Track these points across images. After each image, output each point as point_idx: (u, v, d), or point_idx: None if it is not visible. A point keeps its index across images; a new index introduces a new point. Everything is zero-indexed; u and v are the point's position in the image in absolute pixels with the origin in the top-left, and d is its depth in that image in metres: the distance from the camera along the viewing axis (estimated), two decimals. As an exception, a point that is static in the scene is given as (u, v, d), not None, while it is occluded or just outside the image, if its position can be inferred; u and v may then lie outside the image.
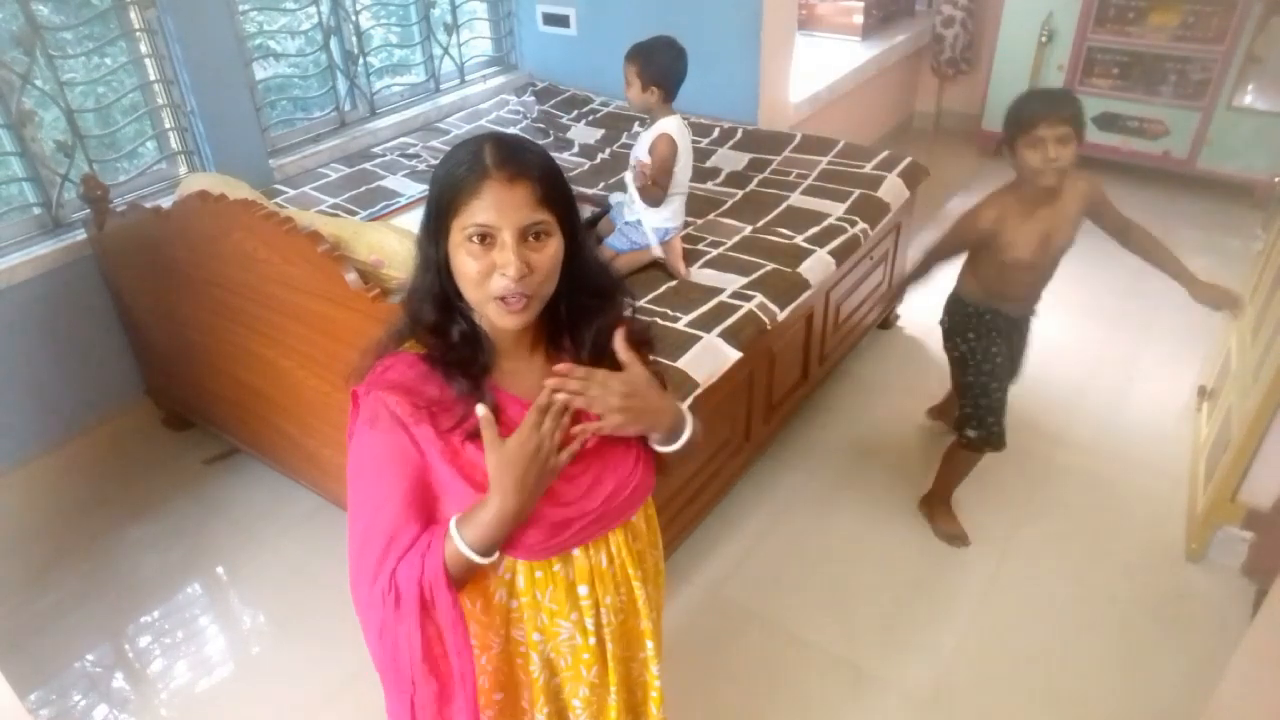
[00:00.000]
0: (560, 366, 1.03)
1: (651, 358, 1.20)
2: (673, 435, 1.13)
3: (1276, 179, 3.59)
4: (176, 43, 2.74)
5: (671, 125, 2.44)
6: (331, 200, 2.99)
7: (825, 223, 2.74)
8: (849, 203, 2.84)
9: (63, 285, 2.61)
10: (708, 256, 2.61)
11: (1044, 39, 4.33)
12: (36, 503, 2.64)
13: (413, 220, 2.64)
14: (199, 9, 2.76)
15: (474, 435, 1.01)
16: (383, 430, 1.02)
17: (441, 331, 1.05)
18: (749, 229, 2.74)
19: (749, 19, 3.35)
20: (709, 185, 3.07)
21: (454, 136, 3.51)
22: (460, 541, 0.99)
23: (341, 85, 3.40)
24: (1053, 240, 2.10)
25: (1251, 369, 2.34)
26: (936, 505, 2.46)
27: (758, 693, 2.05)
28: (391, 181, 3.12)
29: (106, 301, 2.73)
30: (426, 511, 1.04)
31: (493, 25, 3.99)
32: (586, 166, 3.30)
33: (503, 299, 0.98)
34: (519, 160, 0.98)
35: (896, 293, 2.55)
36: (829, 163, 3.12)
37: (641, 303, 2.34)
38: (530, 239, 0.98)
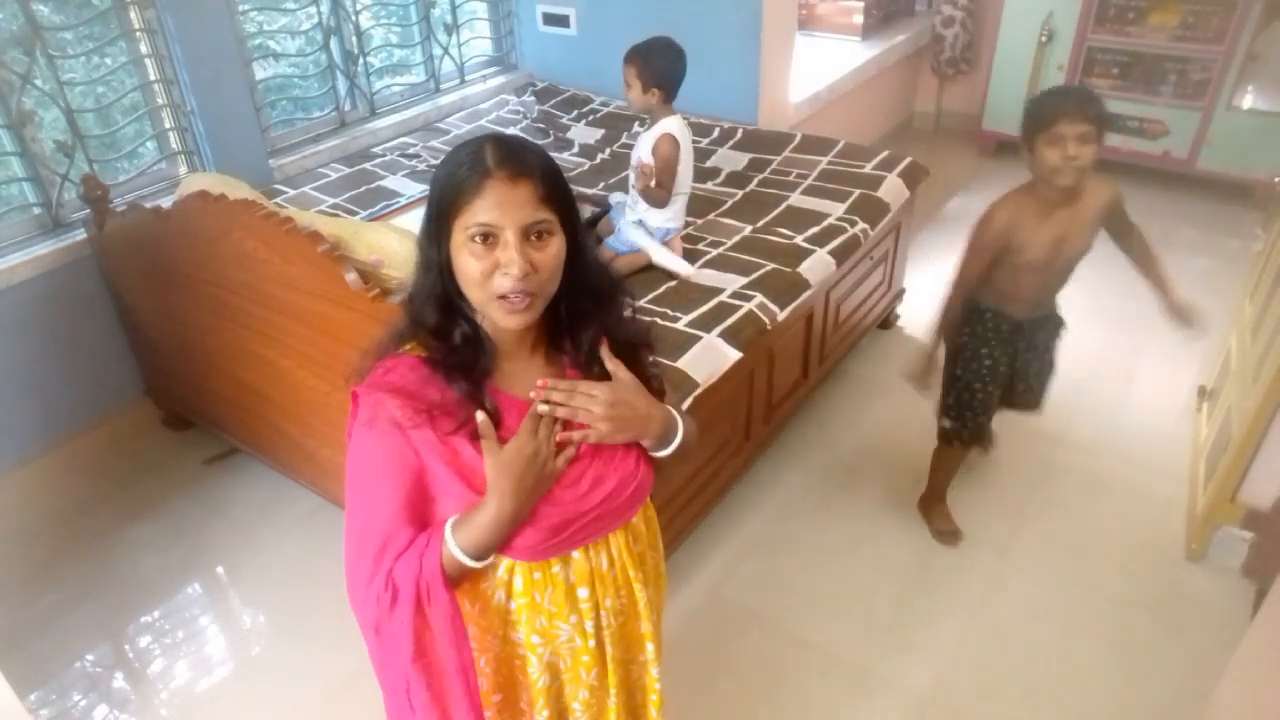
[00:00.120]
0: (540, 382, 1.05)
1: (652, 358, 1.20)
2: (664, 441, 1.14)
3: (1276, 179, 3.59)
4: (176, 43, 2.74)
5: (673, 125, 2.44)
6: (331, 200, 2.99)
7: (825, 223, 2.74)
8: (849, 203, 2.84)
9: (63, 285, 2.61)
10: (708, 256, 2.61)
11: (1044, 39, 4.33)
12: (36, 503, 2.64)
13: (413, 220, 2.65)
14: (199, 9, 2.76)
15: (476, 437, 1.02)
16: (380, 432, 1.02)
17: (443, 333, 1.05)
18: (749, 229, 2.74)
19: (749, 19, 3.35)
20: (709, 185, 3.07)
21: (454, 136, 3.51)
22: (453, 545, 1.00)
23: (341, 85, 3.40)
24: (1067, 244, 2.04)
25: (1251, 369, 2.35)
26: (931, 504, 2.47)
27: (758, 693, 2.05)
28: (391, 181, 3.12)
29: (106, 301, 2.73)
30: (422, 514, 1.04)
31: (493, 25, 3.99)
32: (586, 166, 3.30)
33: (506, 298, 0.98)
34: (520, 160, 0.98)
35: (927, 369, 2.24)
36: (829, 163, 3.12)
37: (641, 302, 2.34)
38: (532, 238, 0.99)
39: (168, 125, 2.88)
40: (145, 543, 2.52)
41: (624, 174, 3.01)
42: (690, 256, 2.60)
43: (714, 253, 2.63)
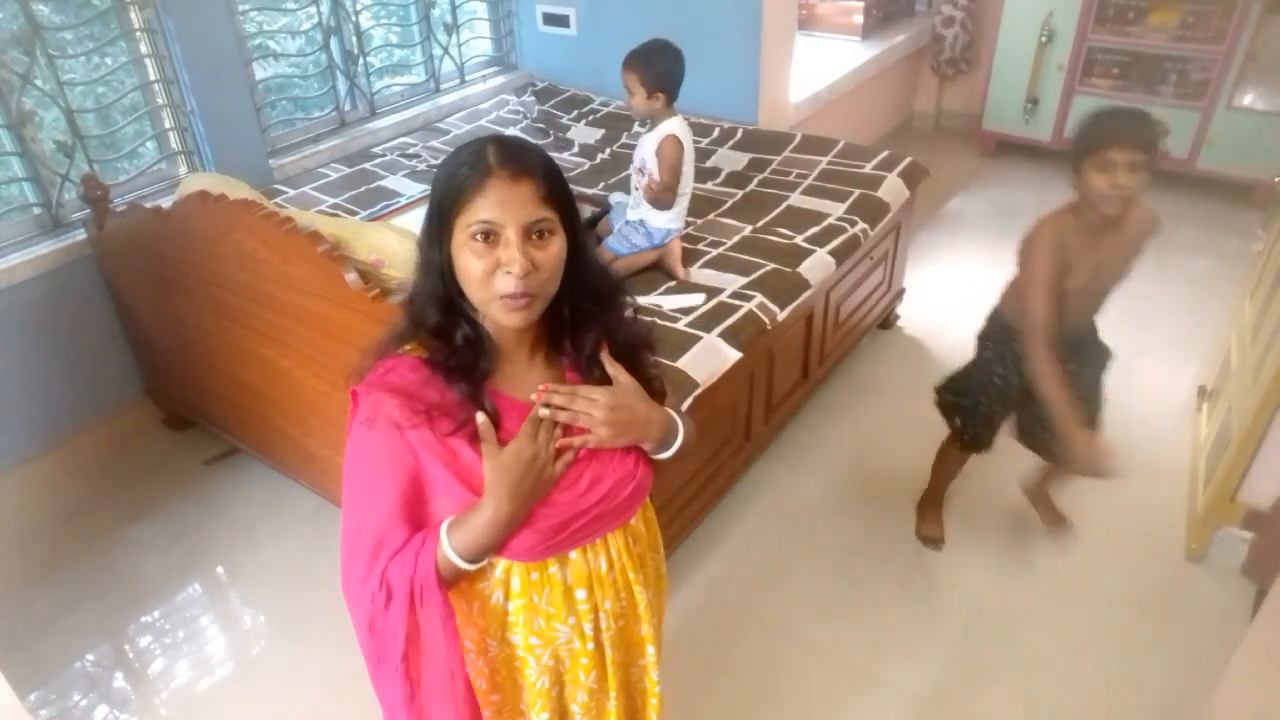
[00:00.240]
0: (541, 386, 1.05)
1: (652, 359, 1.20)
2: (664, 444, 1.14)
3: (1276, 179, 3.59)
4: (176, 43, 2.74)
5: (676, 126, 2.44)
6: (331, 200, 2.99)
7: (825, 223, 2.74)
8: (849, 203, 2.84)
9: (63, 285, 2.61)
10: (708, 256, 2.61)
11: (1044, 39, 4.33)
12: (36, 503, 2.64)
13: (413, 220, 2.65)
14: (199, 9, 2.76)
15: (475, 439, 1.02)
16: (379, 432, 1.02)
17: (444, 334, 1.05)
18: (749, 229, 2.74)
19: (749, 19, 3.35)
20: (709, 185, 3.07)
21: (454, 136, 3.51)
22: (448, 547, 1.00)
23: (341, 85, 3.40)
24: (1106, 270, 1.93)
25: (1251, 369, 2.35)
26: (925, 505, 2.47)
27: (758, 693, 2.05)
28: (391, 181, 3.12)
29: (106, 301, 2.73)
30: (418, 514, 1.05)
31: (493, 25, 3.99)
32: (586, 166, 3.30)
33: (507, 297, 0.98)
34: (521, 159, 0.99)
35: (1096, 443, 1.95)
36: (829, 163, 3.12)
37: (644, 301, 2.34)
38: (534, 237, 0.99)
39: (168, 125, 2.88)
40: (145, 543, 2.52)
41: (624, 174, 3.01)
42: (690, 256, 2.60)
43: (714, 253, 2.63)
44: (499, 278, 0.98)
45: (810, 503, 2.59)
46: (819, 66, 4.14)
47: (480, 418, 1.01)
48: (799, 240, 2.65)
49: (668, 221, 2.53)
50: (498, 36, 4.02)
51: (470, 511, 1.02)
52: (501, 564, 1.08)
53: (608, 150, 3.42)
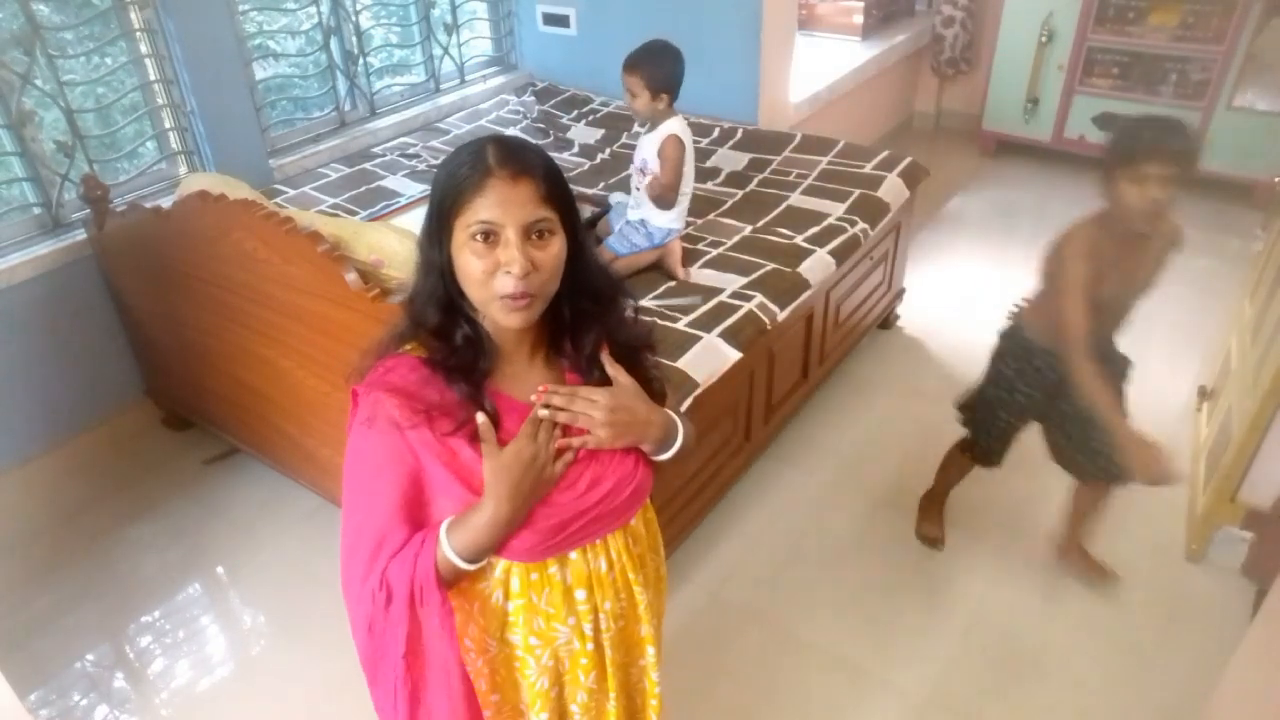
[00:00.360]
0: (541, 387, 1.05)
1: (653, 359, 1.20)
2: (664, 445, 1.14)
3: (1276, 179, 3.59)
4: (176, 43, 2.74)
5: (677, 126, 2.45)
6: (331, 200, 2.99)
7: (825, 223, 2.74)
8: (849, 203, 2.84)
9: (63, 285, 2.61)
10: (708, 256, 2.61)
11: (1044, 39, 4.33)
12: (36, 503, 2.64)
13: (413, 220, 2.65)
14: (199, 9, 2.76)
15: (475, 439, 1.02)
16: (379, 431, 1.03)
17: (445, 334, 1.05)
18: (749, 229, 2.74)
19: (749, 19, 3.35)
20: (709, 185, 3.07)
21: (454, 136, 3.51)
22: (447, 547, 1.00)
23: (341, 85, 3.40)
24: (1133, 282, 1.87)
25: (1251, 369, 2.35)
26: (926, 505, 2.46)
27: (758, 693, 2.05)
28: (391, 181, 3.12)
29: (106, 301, 2.73)
30: (418, 514, 1.05)
31: (493, 25, 3.99)
32: (586, 166, 3.30)
33: (507, 297, 0.98)
34: (521, 159, 0.99)
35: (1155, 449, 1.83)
36: (829, 163, 3.12)
37: (642, 303, 2.34)
38: (534, 237, 0.99)
39: (168, 125, 2.88)
40: (145, 543, 2.52)
41: (624, 174, 3.01)
42: (690, 256, 2.60)
43: (714, 253, 2.63)
44: (499, 278, 0.98)
45: (810, 503, 2.59)
46: (819, 66, 4.14)
47: (480, 418, 1.01)
48: (799, 240, 2.65)
49: (669, 221, 2.53)
50: (498, 36, 4.02)
51: (470, 512, 1.02)
52: (501, 564, 1.08)
53: (608, 150, 3.42)
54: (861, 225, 2.74)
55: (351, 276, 1.94)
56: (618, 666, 1.19)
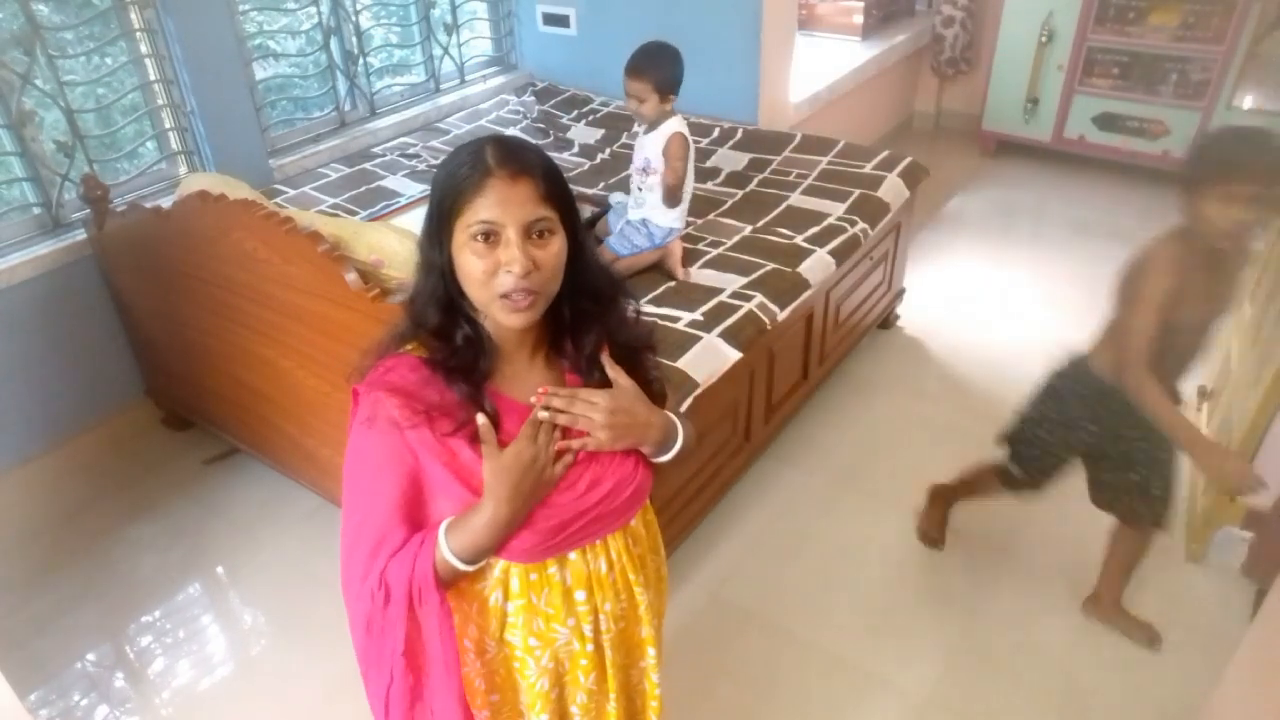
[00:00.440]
0: (541, 389, 1.05)
1: (653, 360, 1.20)
2: (663, 447, 1.14)
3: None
4: (176, 43, 2.74)
5: (679, 125, 2.46)
6: (331, 200, 2.99)
7: (825, 223, 2.74)
8: (849, 203, 2.84)
9: (63, 285, 2.61)
10: (708, 256, 2.61)
11: (1044, 39, 4.33)
12: (36, 503, 2.64)
13: (413, 220, 2.65)
14: (199, 9, 2.76)
15: (475, 439, 1.02)
16: (379, 431, 1.03)
17: (445, 334, 1.05)
18: (749, 229, 2.75)
19: (749, 19, 3.35)
20: (709, 185, 3.07)
21: (454, 136, 3.51)
22: (446, 548, 1.01)
23: (341, 85, 3.40)
24: (1214, 301, 1.75)
25: (1251, 370, 2.35)
26: (935, 505, 2.43)
27: (758, 693, 2.05)
28: (391, 181, 3.12)
29: (106, 301, 2.73)
30: (417, 514, 1.05)
31: (493, 25, 3.99)
32: (586, 166, 3.30)
33: (508, 296, 0.98)
34: (521, 159, 0.99)
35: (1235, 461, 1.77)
36: (829, 163, 3.12)
37: (642, 303, 2.34)
38: (534, 236, 0.99)
39: (168, 125, 2.88)
40: (145, 543, 2.52)
41: (624, 174, 3.01)
42: (690, 256, 2.60)
43: (714, 253, 2.63)
44: (500, 277, 0.98)
45: (810, 503, 2.59)
46: (819, 66, 4.14)
47: (480, 419, 1.01)
48: (799, 240, 2.65)
49: (671, 221, 2.53)
50: (498, 36, 4.02)
51: (469, 512, 1.02)
52: (500, 564, 1.08)
53: (608, 150, 3.42)
54: (861, 225, 2.74)
55: (351, 276, 1.94)
56: (618, 668, 1.19)
